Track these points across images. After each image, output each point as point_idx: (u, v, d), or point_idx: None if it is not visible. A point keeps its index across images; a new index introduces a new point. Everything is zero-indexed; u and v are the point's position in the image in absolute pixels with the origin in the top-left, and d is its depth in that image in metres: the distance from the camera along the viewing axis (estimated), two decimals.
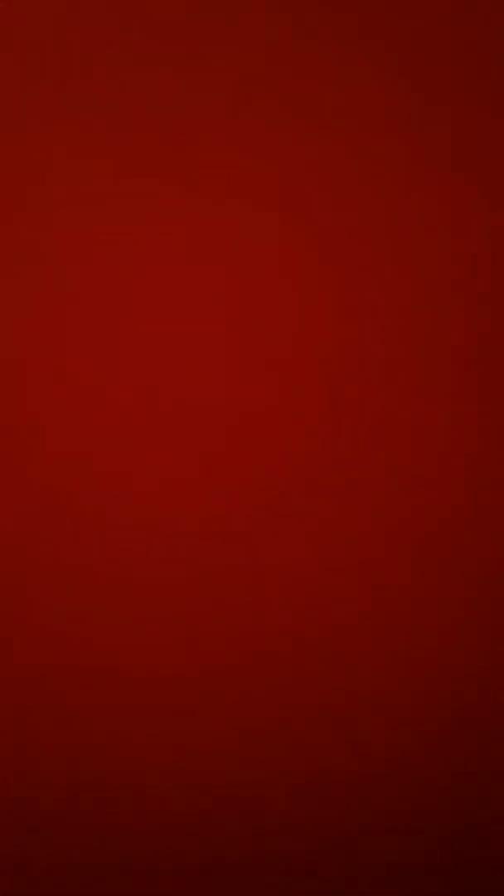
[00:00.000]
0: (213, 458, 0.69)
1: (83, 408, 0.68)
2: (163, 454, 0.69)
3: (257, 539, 0.69)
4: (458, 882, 0.71)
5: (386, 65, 0.70)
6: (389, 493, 0.70)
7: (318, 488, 0.69)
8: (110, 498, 0.68)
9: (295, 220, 0.69)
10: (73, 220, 0.68)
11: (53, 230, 0.68)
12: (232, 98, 0.69)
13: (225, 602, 0.69)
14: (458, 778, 0.71)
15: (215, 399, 0.69)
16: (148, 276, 0.69)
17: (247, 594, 0.69)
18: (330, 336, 0.70)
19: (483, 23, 0.70)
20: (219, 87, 0.69)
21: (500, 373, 0.71)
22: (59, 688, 0.68)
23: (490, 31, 0.70)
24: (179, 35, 0.69)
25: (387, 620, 0.70)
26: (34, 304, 0.68)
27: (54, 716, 0.68)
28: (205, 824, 0.69)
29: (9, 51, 0.68)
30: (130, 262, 0.69)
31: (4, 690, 0.68)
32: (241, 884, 0.70)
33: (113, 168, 0.68)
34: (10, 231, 0.68)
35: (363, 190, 0.70)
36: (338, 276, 0.70)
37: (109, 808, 0.69)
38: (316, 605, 0.69)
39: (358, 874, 0.70)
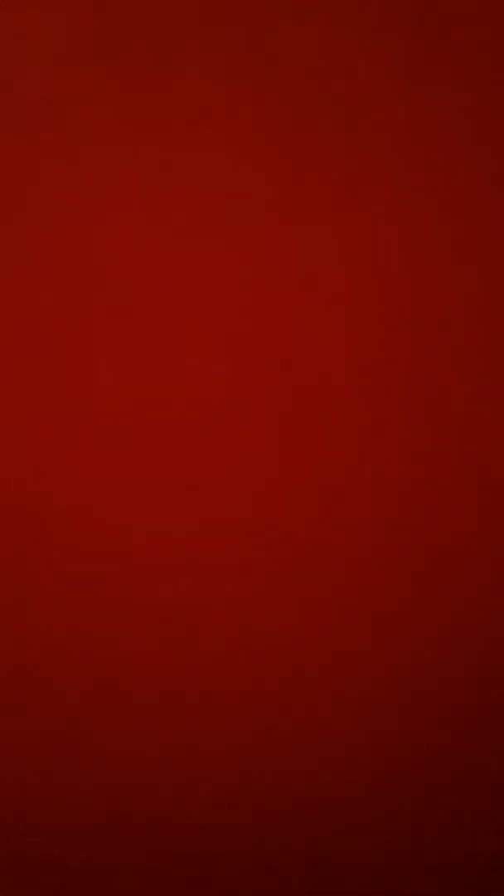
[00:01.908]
0: (209, 459, 0.69)
1: (80, 411, 0.68)
2: (161, 461, 0.69)
3: (257, 559, 0.69)
4: (457, 882, 0.71)
5: (388, 57, 0.70)
6: (392, 503, 0.70)
7: (321, 503, 0.69)
8: (107, 505, 0.68)
9: (298, 215, 0.69)
10: (70, 218, 0.68)
11: (51, 226, 0.68)
12: (233, 89, 0.68)
13: (223, 619, 0.69)
14: (457, 782, 0.71)
15: (215, 408, 0.69)
16: (145, 278, 0.68)
17: (245, 606, 0.69)
18: (334, 338, 0.69)
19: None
20: (219, 77, 0.68)
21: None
22: (58, 694, 0.68)
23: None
24: (180, 26, 0.68)
25: (390, 635, 0.70)
26: (30, 301, 0.68)
27: (52, 721, 0.69)
28: (203, 827, 0.70)
29: (8, 45, 0.68)
30: (129, 261, 0.68)
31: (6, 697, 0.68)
32: (240, 885, 0.70)
33: (112, 162, 0.68)
34: (7, 226, 0.68)
35: (367, 185, 0.69)
36: (342, 276, 0.69)
37: (108, 810, 0.69)
38: (317, 617, 0.70)
39: (358, 875, 0.71)
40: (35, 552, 0.68)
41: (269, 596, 0.69)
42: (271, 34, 0.69)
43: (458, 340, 0.70)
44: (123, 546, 0.68)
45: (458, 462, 0.70)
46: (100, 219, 0.68)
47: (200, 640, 0.69)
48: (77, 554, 0.68)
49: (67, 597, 0.68)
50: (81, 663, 0.68)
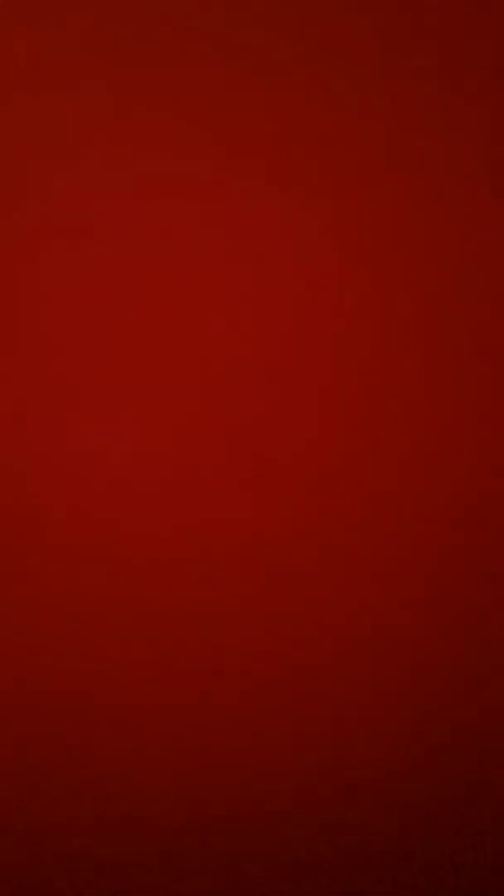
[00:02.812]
0: (207, 441, 0.69)
1: (78, 400, 0.68)
2: (159, 452, 0.69)
3: (255, 559, 0.69)
4: (457, 882, 0.71)
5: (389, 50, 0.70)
6: (391, 496, 0.70)
7: (322, 498, 0.69)
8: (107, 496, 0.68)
9: (299, 208, 0.69)
10: (70, 215, 0.68)
11: (51, 225, 0.68)
12: (232, 86, 0.69)
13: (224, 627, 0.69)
14: (457, 786, 0.71)
15: (213, 394, 0.69)
16: (144, 272, 0.68)
17: (245, 599, 0.69)
18: (331, 331, 0.69)
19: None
20: (221, 71, 0.69)
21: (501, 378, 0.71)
22: (57, 697, 0.68)
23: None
24: (182, 17, 0.68)
25: (388, 621, 0.70)
26: (29, 296, 0.68)
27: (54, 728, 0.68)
28: (203, 830, 0.70)
29: (8, 42, 0.68)
30: (127, 257, 0.68)
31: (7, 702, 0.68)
32: (241, 885, 0.70)
33: (113, 155, 0.68)
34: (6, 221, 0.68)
35: (367, 174, 0.69)
36: (340, 268, 0.69)
37: (108, 815, 0.69)
38: (317, 614, 0.69)
39: (359, 876, 0.70)
40: (30, 550, 0.68)
41: (269, 597, 0.69)
42: (270, 31, 0.69)
43: (460, 347, 0.70)
44: (120, 547, 0.68)
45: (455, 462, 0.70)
46: (96, 213, 0.68)
47: (197, 638, 0.69)
48: (72, 552, 0.68)
49: (63, 593, 0.68)
50: (80, 662, 0.68)
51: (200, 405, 0.69)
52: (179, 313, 0.68)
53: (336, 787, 0.70)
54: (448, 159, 0.70)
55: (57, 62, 0.68)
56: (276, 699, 0.69)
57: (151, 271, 0.68)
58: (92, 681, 0.68)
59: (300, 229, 0.69)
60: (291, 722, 0.69)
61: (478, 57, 0.70)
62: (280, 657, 0.69)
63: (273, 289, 0.69)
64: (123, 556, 0.68)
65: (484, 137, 0.70)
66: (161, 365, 0.68)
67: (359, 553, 0.69)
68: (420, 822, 0.70)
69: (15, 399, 0.68)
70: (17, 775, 0.68)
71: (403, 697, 0.70)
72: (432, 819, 0.70)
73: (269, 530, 0.69)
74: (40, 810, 0.68)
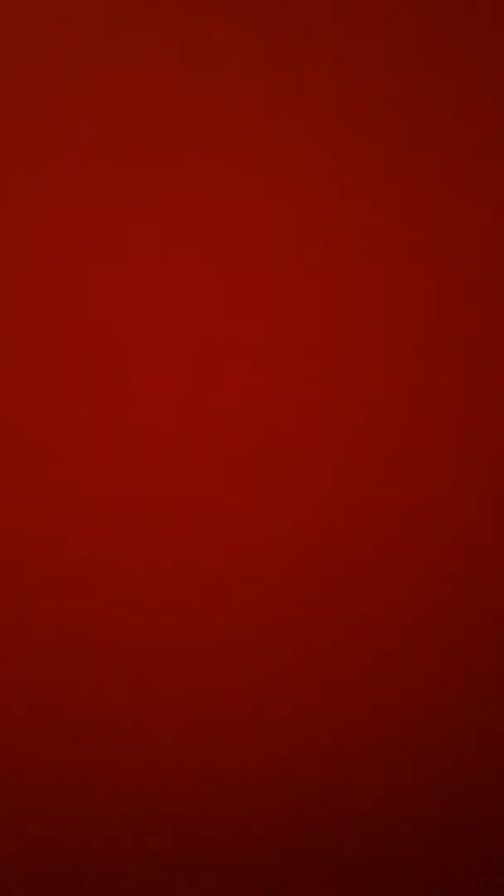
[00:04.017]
0: (211, 451, 0.69)
1: (79, 415, 0.68)
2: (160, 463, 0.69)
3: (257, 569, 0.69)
4: (457, 880, 0.71)
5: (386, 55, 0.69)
6: (390, 497, 0.70)
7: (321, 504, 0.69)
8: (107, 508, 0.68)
9: (292, 218, 0.69)
10: (71, 229, 0.68)
11: (50, 237, 0.68)
12: (232, 95, 0.68)
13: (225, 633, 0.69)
14: (458, 785, 0.71)
15: (213, 409, 0.69)
16: (142, 284, 0.68)
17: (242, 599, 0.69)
18: (327, 337, 0.69)
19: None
20: (218, 85, 0.68)
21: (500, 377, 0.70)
22: (57, 697, 0.68)
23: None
24: (178, 33, 0.68)
25: (388, 624, 0.70)
26: (32, 305, 0.68)
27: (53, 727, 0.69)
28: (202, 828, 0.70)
29: (8, 54, 0.67)
30: (127, 270, 0.68)
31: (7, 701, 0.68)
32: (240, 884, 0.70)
33: (113, 170, 0.68)
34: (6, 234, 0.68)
35: (363, 188, 0.69)
36: (335, 283, 0.69)
37: (108, 818, 0.69)
38: (317, 617, 0.69)
39: (357, 873, 0.71)
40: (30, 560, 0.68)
41: (272, 609, 0.69)
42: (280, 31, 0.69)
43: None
44: (120, 559, 0.68)
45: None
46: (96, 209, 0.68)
47: (198, 640, 0.69)
48: (72, 563, 0.68)
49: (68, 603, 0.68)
50: (85, 675, 0.68)
51: (199, 415, 0.69)
52: (179, 316, 0.68)
53: (337, 797, 0.70)
54: (449, 156, 0.70)
55: (56, 58, 0.67)
56: (280, 706, 0.69)
57: (149, 279, 0.68)
58: (95, 689, 0.69)
59: (300, 227, 0.69)
60: (292, 731, 0.70)
61: (479, 54, 0.70)
62: (283, 668, 0.69)
63: (273, 292, 0.69)
64: (124, 566, 0.68)
65: (487, 131, 0.70)
66: (159, 371, 0.68)
67: (363, 563, 0.69)
68: (422, 828, 0.71)
69: (8, 408, 0.68)
70: (16, 776, 0.68)
71: (408, 704, 0.70)
72: (436, 825, 0.71)
73: (269, 544, 0.69)
74: (40, 812, 0.69)
